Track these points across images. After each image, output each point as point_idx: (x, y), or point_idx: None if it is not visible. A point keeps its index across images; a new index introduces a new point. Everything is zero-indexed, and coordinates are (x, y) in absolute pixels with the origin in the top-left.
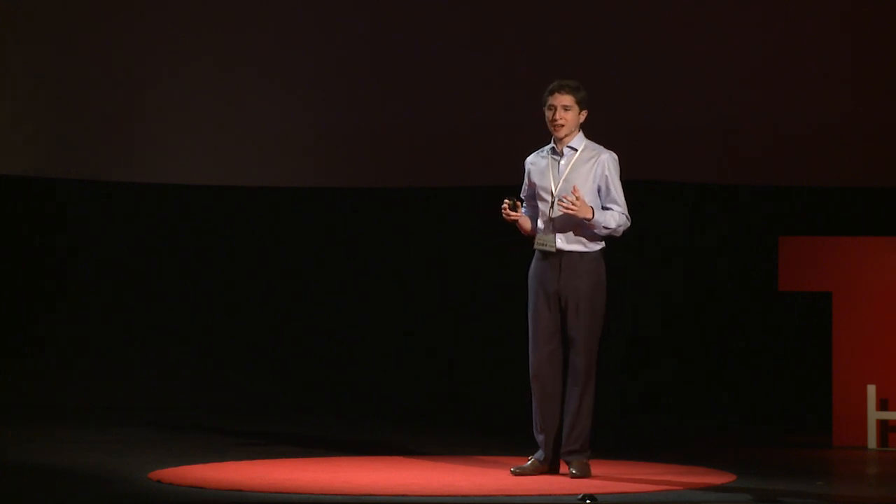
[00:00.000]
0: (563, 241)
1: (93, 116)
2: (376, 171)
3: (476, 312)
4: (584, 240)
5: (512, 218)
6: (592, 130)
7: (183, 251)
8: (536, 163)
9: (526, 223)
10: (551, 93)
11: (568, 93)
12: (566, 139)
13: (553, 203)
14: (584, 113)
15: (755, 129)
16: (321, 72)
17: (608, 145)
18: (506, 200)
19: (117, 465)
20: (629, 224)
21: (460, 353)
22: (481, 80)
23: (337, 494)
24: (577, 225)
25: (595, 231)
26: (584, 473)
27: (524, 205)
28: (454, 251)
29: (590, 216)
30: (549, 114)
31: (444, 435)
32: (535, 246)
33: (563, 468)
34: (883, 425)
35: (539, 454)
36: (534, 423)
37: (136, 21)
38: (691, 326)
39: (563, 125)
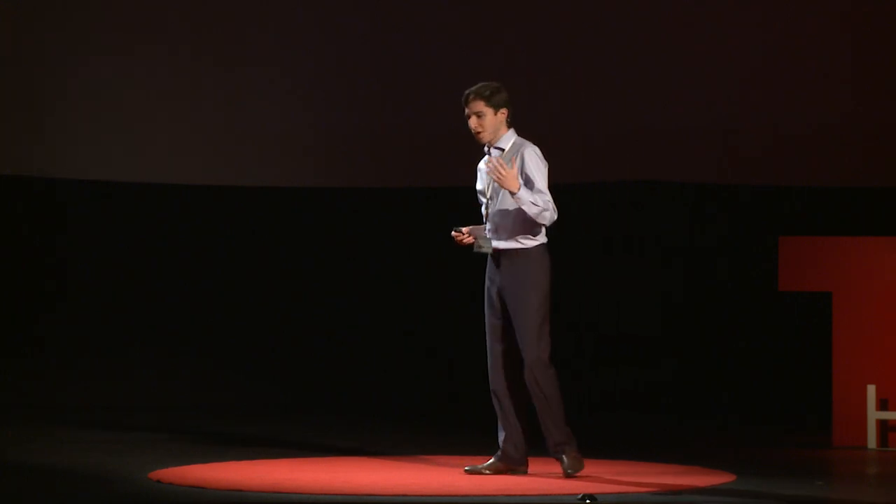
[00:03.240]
0: (499, 241)
1: (92, 117)
2: (376, 171)
3: (476, 312)
4: (518, 237)
5: (467, 242)
6: (593, 130)
7: (183, 251)
8: (481, 168)
9: (479, 231)
10: (464, 103)
11: (476, 99)
12: (494, 142)
13: (488, 204)
14: (504, 111)
15: (755, 129)
16: (321, 72)
17: (608, 144)
18: (453, 233)
19: (117, 465)
20: (556, 216)
21: (460, 353)
22: (481, 81)
23: (337, 494)
24: (511, 222)
25: (522, 207)
26: (577, 468)
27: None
28: (454, 251)
29: (515, 189)
30: (469, 122)
31: (444, 435)
32: (474, 249)
33: (552, 468)
34: (883, 425)
35: (497, 454)
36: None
37: (135, 21)
38: (691, 326)
39: (479, 132)
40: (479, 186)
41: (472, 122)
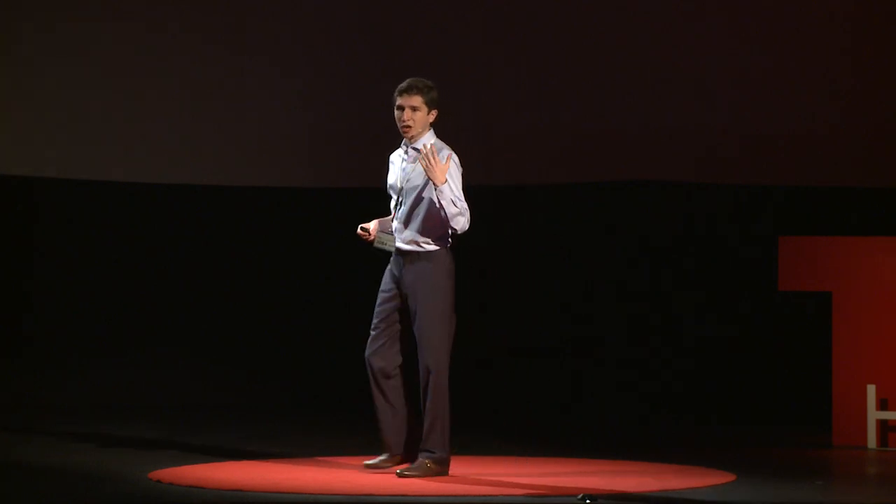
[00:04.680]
0: (402, 241)
1: (90, 117)
2: (374, 171)
3: (470, 311)
4: (422, 240)
5: (370, 237)
6: (592, 130)
7: (182, 251)
8: (393, 160)
9: (385, 225)
10: (400, 93)
11: (416, 93)
12: (414, 140)
13: (398, 202)
14: (434, 113)
15: (755, 129)
16: (319, 73)
17: (609, 145)
18: (359, 231)
19: (117, 465)
20: (468, 225)
21: (458, 354)
22: (477, 82)
23: (337, 494)
24: (417, 224)
25: (441, 201)
26: (419, 475)
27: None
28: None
29: (440, 182)
30: (397, 114)
31: None
32: (375, 245)
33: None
34: (883, 425)
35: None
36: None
37: (133, 22)
38: (690, 327)
39: (410, 126)
40: (390, 180)
41: (406, 115)
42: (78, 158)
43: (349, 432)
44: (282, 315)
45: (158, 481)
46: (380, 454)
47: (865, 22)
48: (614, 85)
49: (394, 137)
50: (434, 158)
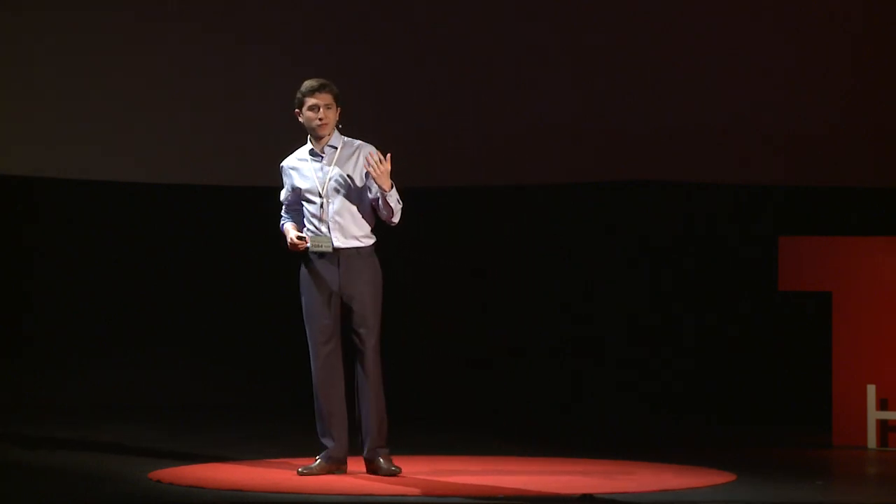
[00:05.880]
0: (340, 239)
1: (90, 117)
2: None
3: (470, 311)
4: (359, 236)
5: (303, 246)
6: (592, 130)
7: (182, 251)
8: (297, 167)
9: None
10: (312, 92)
11: (328, 91)
12: (325, 139)
13: (322, 204)
14: (339, 110)
15: (755, 129)
16: (319, 73)
17: (609, 145)
18: (295, 240)
19: (117, 465)
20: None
21: (462, 352)
22: (477, 82)
23: (337, 494)
24: (351, 222)
25: (389, 202)
26: (397, 469)
27: (287, 213)
28: (445, 251)
29: (388, 187)
30: (310, 114)
31: (434, 434)
32: (311, 249)
33: (359, 466)
34: (883, 425)
35: (325, 454)
36: (319, 427)
37: (134, 22)
38: (690, 327)
39: (326, 123)
40: (304, 186)
41: (321, 113)
42: (78, 158)
43: (349, 432)
44: (282, 315)
45: (158, 481)
46: (318, 458)
47: (865, 22)
48: (614, 85)
49: (391, 138)
50: (380, 164)
